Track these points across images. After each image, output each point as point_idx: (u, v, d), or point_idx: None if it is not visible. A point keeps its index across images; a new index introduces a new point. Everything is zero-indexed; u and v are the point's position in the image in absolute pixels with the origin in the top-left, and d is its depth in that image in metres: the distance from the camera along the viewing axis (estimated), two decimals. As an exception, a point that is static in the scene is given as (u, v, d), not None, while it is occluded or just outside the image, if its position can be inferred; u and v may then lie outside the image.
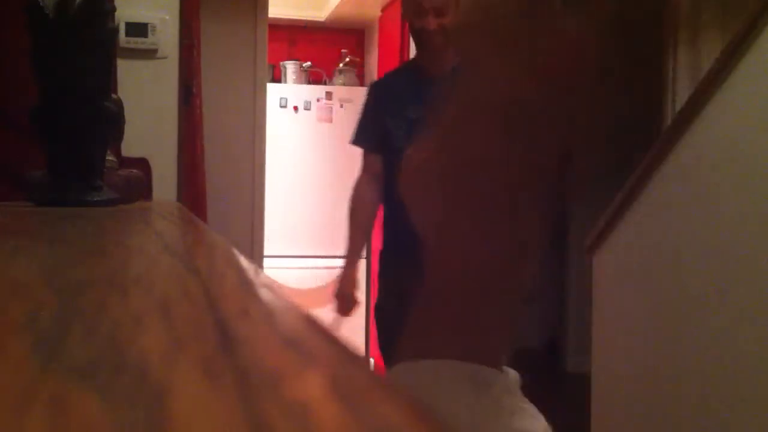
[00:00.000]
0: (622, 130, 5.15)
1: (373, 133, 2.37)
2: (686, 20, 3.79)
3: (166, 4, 2.52)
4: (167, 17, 2.51)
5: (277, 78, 5.32)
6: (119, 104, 1.24)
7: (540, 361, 5.41)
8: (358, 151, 2.47)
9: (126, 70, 2.41)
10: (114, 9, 1.10)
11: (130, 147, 1.93)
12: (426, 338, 0.40)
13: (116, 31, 1.32)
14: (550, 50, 0.38)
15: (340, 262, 2.44)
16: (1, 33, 1.55)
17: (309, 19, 5.48)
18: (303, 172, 5.10)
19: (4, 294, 0.27)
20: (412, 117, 2.19)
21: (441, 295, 0.40)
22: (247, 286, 0.30)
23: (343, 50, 5.46)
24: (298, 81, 5.27)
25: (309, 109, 5.13)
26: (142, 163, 1.93)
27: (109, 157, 1.26)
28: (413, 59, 2.50)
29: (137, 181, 1.37)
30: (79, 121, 1.02)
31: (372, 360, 4.49)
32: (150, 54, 2.50)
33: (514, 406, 0.40)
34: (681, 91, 3.72)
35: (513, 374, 0.41)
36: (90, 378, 0.15)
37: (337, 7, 5.10)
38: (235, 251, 0.42)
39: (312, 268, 4.93)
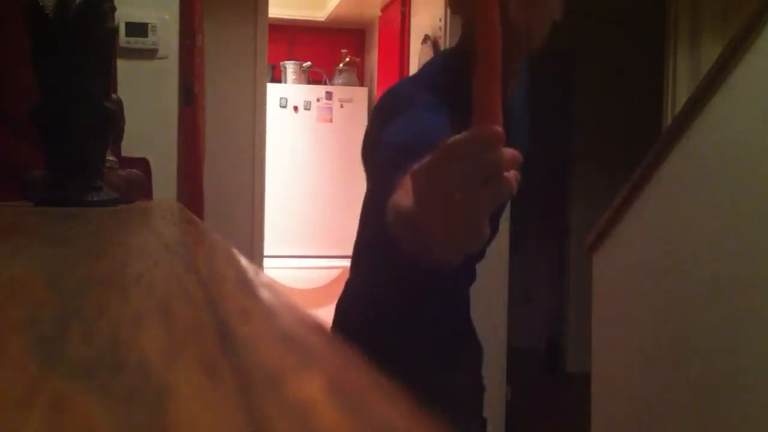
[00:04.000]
0: (623, 131, 5.16)
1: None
2: (686, 21, 3.79)
3: (166, 4, 2.51)
4: (167, 17, 2.51)
5: (277, 78, 5.32)
6: (119, 104, 1.24)
7: (540, 361, 5.41)
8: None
9: (126, 70, 2.40)
10: (114, 9, 1.10)
11: (130, 147, 1.93)
12: None
13: (116, 31, 1.32)
14: None
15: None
16: (1, 33, 1.55)
17: (309, 19, 5.48)
18: (303, 172, 5.10)
19: (4, 294, 0.27)
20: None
21: None
22: (247, 286, 0.30)
23: (343, 50, 5.46)
24: (298, 81, 5.27)
25: (309, 109, 5.13)
26: (142, 163, 1.92)
27: (109, 157, 1.26)
28: None
29: (137, 181, 1.37)
30: (79, 121, 1.02)
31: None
32: (150, 54, 2.50)
33: None
34: (681, 91, 3.72)
35: None
36: (90, 378, 0.15)
37: (337, 7, 5.10)
38: (235, 251, 0.42)
39: (312, 268, 4.93)
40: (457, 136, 0.61)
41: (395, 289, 1.25)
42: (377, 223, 0.89)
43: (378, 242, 0.97)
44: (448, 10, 3.75)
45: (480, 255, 1.31)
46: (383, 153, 1.01)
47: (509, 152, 0.61)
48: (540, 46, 1.12)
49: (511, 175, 0.61)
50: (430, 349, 1.30)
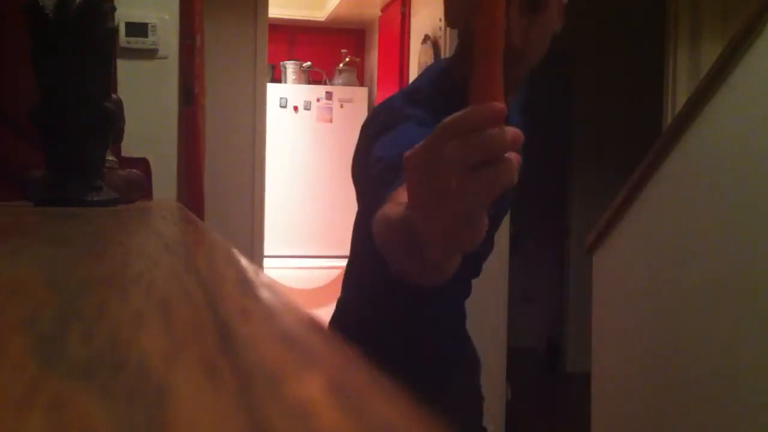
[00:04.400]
0: (623, 131, 5.16)
1: None
2: (686, 21, 3.79)
3: (166, 4, 2.51)
4: (167, 17, 2.51)
5: (277, 78, 5.32)
6: (119, 104, 1.25)
7: (540, 361, 5.41)
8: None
9: (126, 70, 2.40)
10: (114, 9, 1.10)
11: (130, 147, 1.93)
12: None
13: (116, 31, 1.32)
14: None
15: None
16: (1, 33, 1.55)
17: (309, 19, 5.48)
18: (303, 172, 5.10)
19: (4, 294, 0.27)
20: None
21: None
22: (247, 286, 0.30)
23: (343, 50, 5.46)
24: (298, 81, 5.27)
25: (309, 109, 5.13)
26: (142, 163, 1.92)
27: (109, 157, 1.26)
28: None
29: (137, 181, 1.37)
30: (79, 121, 1.02)
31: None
32: (150, 54, 2.50)
33: None
34: (681, 91, 3.72)
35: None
36: (90, 378, 0.15)
37: (337, 7, 5.10)
38: (235, 251, 0.42)
39: (312, 268, 4.93)
40: (454, 115, 0.54)
41: (388, 303, 1.21)
42: (367, 240, 0.83)
43: (369, 261, 0.93)
44: (445, 23, 3.75)
45: (476, 271, 1.29)
46: (373, 168, 0.96)
47: (511, 130, 0.53)
48: (540, 59, 1.07)
49: (513, 157, 0.53)
50: (428, 353, 1.28)
